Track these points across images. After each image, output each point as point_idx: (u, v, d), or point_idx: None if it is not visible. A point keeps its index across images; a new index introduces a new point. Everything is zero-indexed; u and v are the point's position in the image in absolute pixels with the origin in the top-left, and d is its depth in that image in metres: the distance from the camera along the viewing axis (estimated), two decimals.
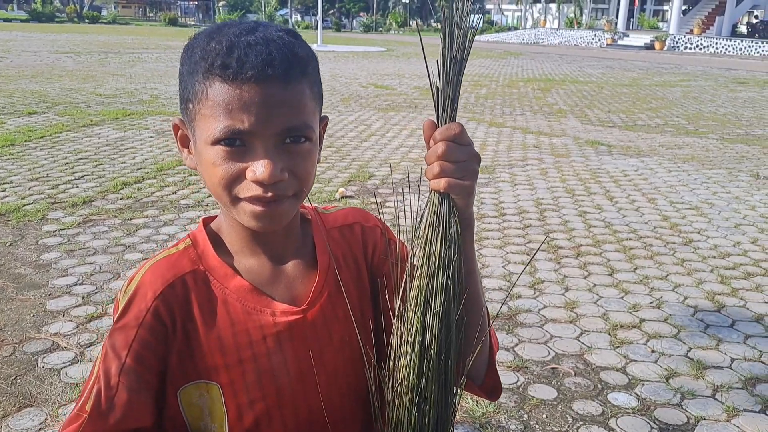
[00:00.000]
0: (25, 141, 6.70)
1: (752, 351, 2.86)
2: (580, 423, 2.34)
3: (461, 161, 0.76)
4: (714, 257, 3.98)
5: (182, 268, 0.86)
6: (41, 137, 6.92)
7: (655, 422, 2.35)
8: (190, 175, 5.46)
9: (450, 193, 0.78)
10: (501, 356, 2.75)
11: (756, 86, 14.79)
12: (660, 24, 39.45)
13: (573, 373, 2.65)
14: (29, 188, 5.01)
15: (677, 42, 31.07)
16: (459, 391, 0.86)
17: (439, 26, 0.76)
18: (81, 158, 6.05)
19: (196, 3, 71.60)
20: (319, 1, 28.74)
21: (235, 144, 0.77)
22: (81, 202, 4.67)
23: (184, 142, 0.86)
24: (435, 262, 0.80)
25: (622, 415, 2.38)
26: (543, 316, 3.14)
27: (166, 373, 0.85)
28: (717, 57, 27.01)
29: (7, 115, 8.24)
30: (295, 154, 0.79)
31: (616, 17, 37.18)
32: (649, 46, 31.23)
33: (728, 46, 29.36)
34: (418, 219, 0.82)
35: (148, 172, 5.59)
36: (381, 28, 56.60)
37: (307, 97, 0.79)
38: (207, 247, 0.88)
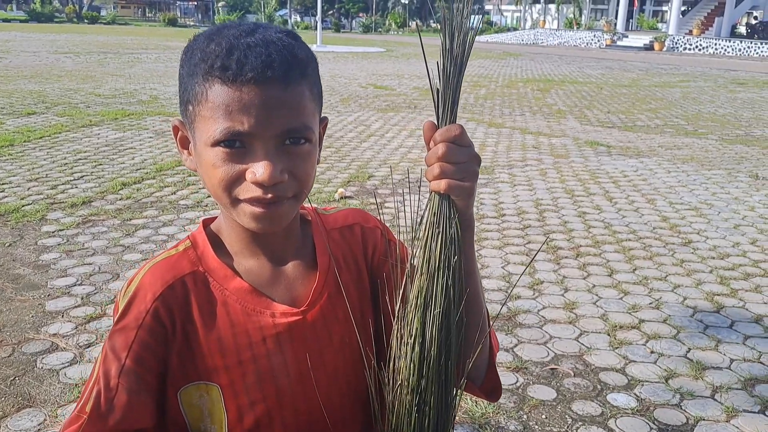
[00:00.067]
0: (24, 141, 6.69)
1: (751, 352, 2.86)
2: (580, 423, 2.34)
3: (461, 162, 0.76)
4: (713, 258, 3.98)
5: (182, 270, 0.86)
6: (40, 138, 6.92)
7: (654, 423, 2.35)
8: (190, 175, 5.46)
9: (450, 194, 0.78)
10: (500, 357, 2.75)
11: (755, 87, 14.80)
12: (659, 25, 39.48)
13: (572, 374, 2.65)
14: (28, 189, 5.00)
15: (676, 43, 31.10)
16: (459, 392, 0.86)
17: (439, 27, 0.76)
18: (80, 159, 6.05)
19: (196, 3, 71.61)
20: (318, 2, 28.75)
21: (235, 146, 0.77)
22: (80, 202, 4.67)
23: (184, 143, 0.86)
24: (435, 263, 0.80)
25: (622, 416, 2.38)
26: (542, 316, 3.14)
27: (166, 374, 0.85)
28: (716, 58, 27.03)
29: (6, 115, 8.23)
30: (294, 156, 0.79)
31: (616, 18, 37.21)
32: (649, 47, 31.26)
33: (727, 46, 29.38)
34: (418, 220, 0.82)
35: (147, 173, 5.59)
36: (380, 29, 56.62)
37: (306, 98, 0.80)
38: (207, 248, 0.88)
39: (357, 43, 32.57)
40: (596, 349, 2.86)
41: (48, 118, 8.16)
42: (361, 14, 66.91)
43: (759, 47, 28.13)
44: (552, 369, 2.69)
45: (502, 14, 60.55)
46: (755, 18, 36.76)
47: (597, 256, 3.97)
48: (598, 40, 34.36)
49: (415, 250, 0.83)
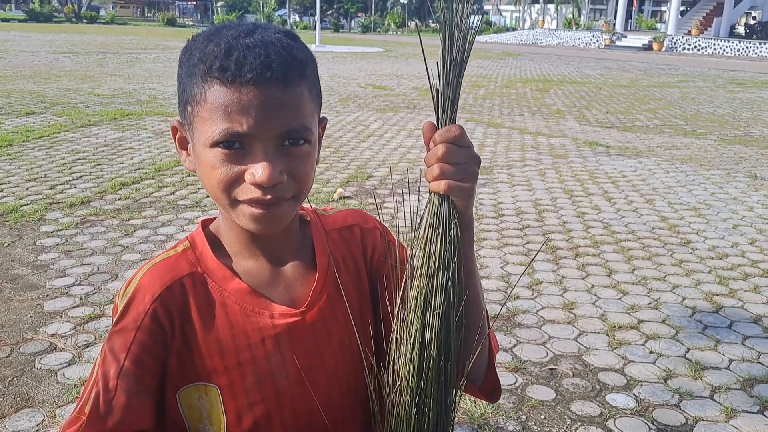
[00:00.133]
0: (23, 141, 6.69)
1: (750, 352, 2.86)
2: (579, 424, 2.34)
3: (461, 163, 0.76)
4: (712, 258, 3.98)
5: (180, 271, 0.86)
6: (39, 137, 6.91)
7: (653, 423, 2.35)
8: (188, 175, 5.46)
9: (450, 195, 0.78)
10: (499, 357, 2.75)
11: (754, 87, 14.82)
12: (658, 25, 39.53)
13: (571, 374, 2.65)
14: (27, 189, 5.00)
15: (675, 43, 31.12)
16: (459, 393, 0.86)
17: (438, 27, 0.76)
18: (79, 159, 6.04)
19: (195, 3, 71.58)
20: (317, 2, 28.74)
21: (234, 147, 0.77)
22: (79, 202, 4.67)
23: (183, 144, 0.86)
24: (434, 264, 0.80)
25: (621, 416, 2.38)
26: (541, 317, 3.14)
27: (165, 375, 0.85)
28: (715, 58, 27.06)
29: (5, 115, 8.22)
30: (293, 157, 0.79)
31: (615, 18, 37.24)
32: (647, 47, 31.28)
33: (726, 47, 29.41)
34: (418, 220, 0.82)
35: (146, 173, 5.59)
36: (379, 29, 56.62)
37: (305, 99, 0.79)
38: (205, 249, 0.88)
39: (356, 43, 32.57)
40: (595, 349, 2.86)
41: (47, 118, 8.15)
42: (360, 14, 66.92)
43: (757, 47, 28.16)
44: (551, 369, 2.69)
45: (501, 14, 60.57)
46: (754, 18, 36.80)
47: (596, 256, 3.97)
48: (597, 40, 34.39)
49: (414, 251, 0.83)
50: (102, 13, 61.38)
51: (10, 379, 2.49)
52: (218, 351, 0.85)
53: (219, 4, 70.19)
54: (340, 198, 5.01)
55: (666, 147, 7.55)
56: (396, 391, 0.83)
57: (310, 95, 0.81)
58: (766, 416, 2.40)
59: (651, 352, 2.84)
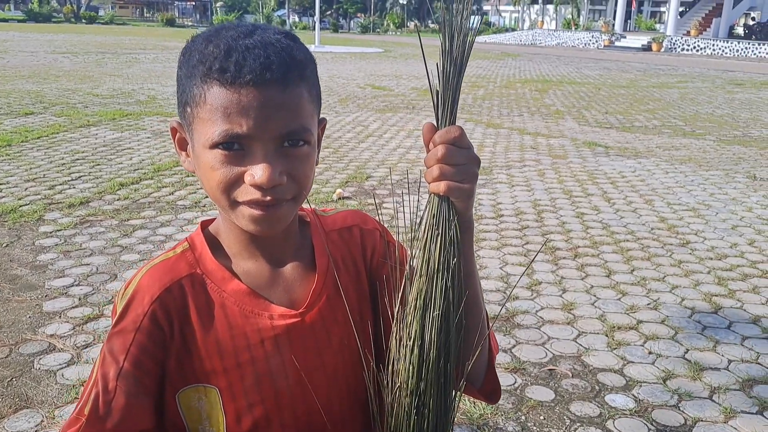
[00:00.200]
0: (22, 141, 6.68)
1: (749, 352, 2.86)
2: (578, 425, 2.34)
3: (461, 164, 0.76)
4: (711, 259, 3.98)
5: (179, 272, 0.86)
6: (38, 138, 6.91)
7: (652, 424, 2.35)
8: (187, 175, 5.45)
9: (449, 196, 0.78)
10: (498, 358, 2.74)
11: (753, 88, 14.83)
12: (657, 25, 39.54)
13: (570, 375, 2.65)
14: (26, 189, 4.99)
15: (674, 43, 31.15)
16: (458, 394, 0.86)
17: (437, 27, 0.76)
18: (78, 159, 6.04)
19: (194, 3, 71.56)
20: (316, 2, 28.74)
21: (234, 148, 0.77)
22: (78, 202, 4.66)
23: (182, 144, 0.86)
24: (434, 265, 0.79)
25: (620, 417, 2.38)
26: (540, 317, 3.14)
27: (164, 376, 0.85)
28: (714, 58, 27.08)
29: (4, 115, 8.22)
30: (293, 158, 0.79)
31: (614, 19, 37.26)
32: (647, 48, 31.30)
33: (725, 47, 29.44)
34: (417, 221, 0.82)
35: (145, 173, 5.59)
36: (378, 29, 56.62)
37: (305, 100, 0.79)
38: (204, 250, 0.88)
39: (355, 44, 32.57)
40: (594, 349, 2.86)
41: (46, 118, 8.15)
42: (359, 15, 66.91)
43: (756, 48, 28.19)
44: (550, 370, 2.69)
45: (500, 15, 60.59)
46: (753, 19, 36.84)
47: (595, 256, 3.97)
48: (596, 41, 34.41)
49: (414, 252, 0.82)
50: (101, 13, 61.35)
51: (9, 379, 2.49)
52: (217, 352, 0.85)
53: (218, 4, 70.19)
54: (340, 198, 5.01)
55: (665, 147, 7.55)
56: (395, 392, 0.83)
57: (309, 96, 0.80)
58: (765, 417, 2.40)
59: (650, 353, 2.84)
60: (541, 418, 2.37)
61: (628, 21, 39.97)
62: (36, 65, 15.03)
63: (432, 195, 0.79)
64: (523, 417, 2.37)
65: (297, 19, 65.39)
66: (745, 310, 3.28)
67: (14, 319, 2.96)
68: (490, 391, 0.95)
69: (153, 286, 0.84)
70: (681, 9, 35.65)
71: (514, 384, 2.57)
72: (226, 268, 0.87)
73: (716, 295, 3.45)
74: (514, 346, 2.87)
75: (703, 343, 2.94)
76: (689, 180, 5.98)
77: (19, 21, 47.39)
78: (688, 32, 33.00)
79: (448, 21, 0.74)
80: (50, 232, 4.07)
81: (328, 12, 65.50)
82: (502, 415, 2.37)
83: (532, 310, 3.21)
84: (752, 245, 4.24)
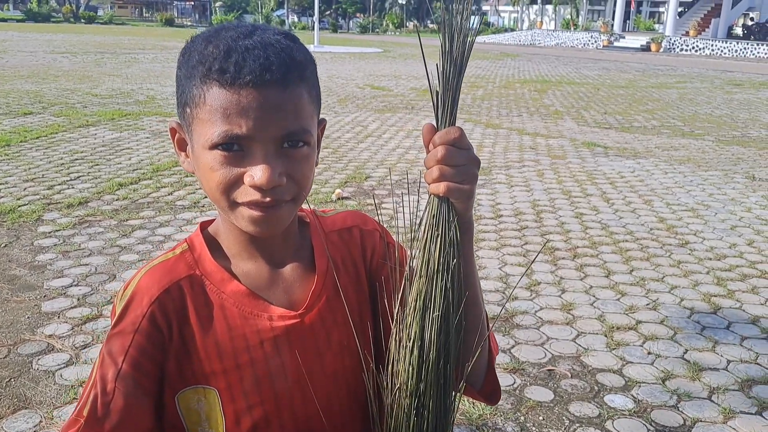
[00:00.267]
0: (21, 141, 6.68)
1: (748, 353, 2.86)
2: (577, 425, 2.34)
3: (461, 165, 0.75)
4: (710, 259, 3.99)
5: (178, 273, 0.86)
6: (37, 138, 6.90)
7: (651, 424, 2.35)
8: (186, 175, 5.45)
9: (449, 197, 0.77)
10: (497, 358, 2.73)
11: (751, 88, 14.84)
12: (656, 26, 39.59)
13: (569, 375, 2.65)
14: (24, 189, 4.99)
15: (673, 44, 31.17)
16: (458, 395, 0.86)
17: (436, 27, 0.75)
18: (77, 159, 6.03)
19: (193, 3, 71.52)
20: (315, 2, 28.73)
21: (233, 149, 0.77)
22: (76, 203, 4.66)
23: (182, 145, 0.85)
24: (434, 266, 0.79)
25: (619, 417, 2.38)
26: (539, 317, 3.14)
27: (163, 378, 0.84)
28: (713, 59, 27.10)
29: (3, 115, 8.21)
30: (293, 159, 0.79)
31: (613, 19, 37.28)
32: (645, 48, 31.32)
33: (724, 48, 29.46)
34: (417, 222, 0.82)
35: (144, 173, 5.58)
36: (378, 29, 56.62)
37: (305, 101, 0.79)
38: (204, 251, 0.88)
39: (354, 44, 32.57)
40: (593, 350, 2.86)
41: (45, 118, 8.14)
42: (358, 15, 66.91)
43: (755, 48, 28.21)
44: (549, 370, 2.69)
45: (499, 15, 60.61)
46: (751, 19, 36.88)
47: (594, 257, 3.97)
48: (595, 41, 34.42)
49: (414, 253, 0.82)
50: (100, 13, 61.32)
51: (8, 380, 2.49)
52: (217, 353, 0.85)
53: (217, 4, 70.15)
54: (339, 199, 5.01)
55: (664, 148, 7.56)
56: (395, 393, 0.83)
57: (309, 97, 0.80)
58: (764, 417, 2.40)
59: (649, 353, 2.84)
60: (540, 418, 2.37)
61: (627, 21, 40.00)
62: (35, 65, 15.02)
63: (432, 196, 0.79)
64: (522, 417, 2.37)
65: (296, 19, 65.36)
66: (744, 311, 3.28)
67: (13, 320, 2.96)
68: (489, 392, 0.95)
69: (152, 287, 0.84)
70: (680, 9, 35.68)
71: (513, 384, 2.57)
72: (225, 269, 0.87)
73: (715, 296, 3.45)
74: (513, 346, 2.87)
75: (702, 343, 2.94)
76: (688, 180, 5.98)
77: (18, 21, 47.36)
78: (687, 32, 33.03)
79: (448, 21, 0.74)
80: (49, 233, 4.07)
81: (327, 12, 65.49)
82: (501, 415, 2.37)
83: (531, 311, 3.21)
84: (751, 245, 4.25)
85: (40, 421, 2.26)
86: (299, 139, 0.79)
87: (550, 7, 48.24)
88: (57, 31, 34.47)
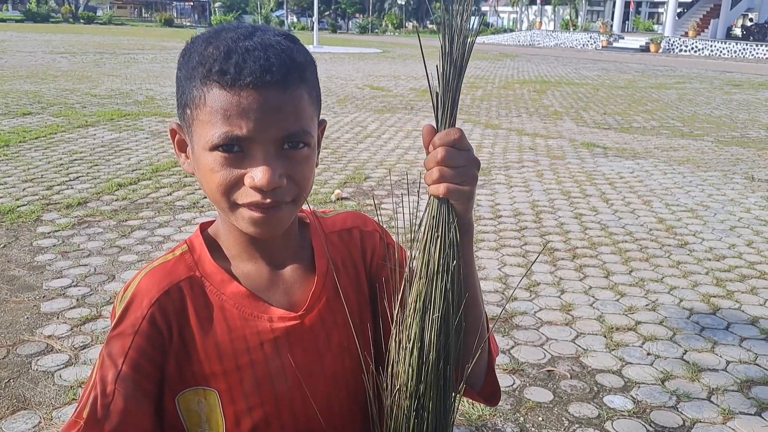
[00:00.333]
0: (20, 142, 6.67)
1: (747, 353, 2.86)
2: (576, 426, 2.34)
3: (460, 166, 0.75)
4: (709, 260, 3.99)
5: (178, 275, 0.86)
6: (36, 138, 6.90)
7: (650, 425, 2.35)
8: (186, 176, 5.45)
9: (449, 198, 0.77)
10: (497, 359, 2.74)
11: (750, 89, 14.85)
12: (655, 26, 39.61)
13: (569, 376, 2.65)
14: (23, 189, 4.99)
15: (672, 44, 31.19)
16: (458, 397, 0.86)
17: (436, 28, 0.75)
18: (76, 159, 6.03)
19: (192, 4, 71.50)
20: (315, 3, 28.74)
21: (234, 150, 0.76)
22: (76, 203, 4.66)
23: (182, 146, 0.85)
24: (434, 267, 0.79)
25: (618, 418, 2.38)
26: (539, 318, 3.14)
27: (163, 379, 0.84)
28: (712, 59, 27.12)
29: (2, 115, 8.20)
30: (293, 160, 0.79)
31: (612, 19, 37.30)
32: (645, 49, 31.34)
33: (723, 48, 29.48)
34: (417, 223, 0.82)
35: (143, 174, 5.58)
36: (377, 30, 56.63)
37: (305, 102, 0.79)
38: (204, 252, 0.88)
39: (353, 44, 32.57)
40: (593, 350, 2.86)
41: (44, 118, 8.14)
42: (357, 15, 66.92)
43: (754, 49, 28.24)
44: (548, 371, 2.69)
45: (498, 15, 60.63)
46: (750, 20, 36.91)
47: (593, 257, 3.97)
48: (595, 42, 34.44)
49: (413, 254, 0.82)
50: (99, 13, 61.32)
51: (7, 380, 2.49)
52: (217, 355, 0.84)
53: (216, 4, 70.16)
54: (338, 199, 5.01)
55: (663, 148, 7.56)
56: (395, 394, 0.83)
57: (309, 98, 0.80)
58: (763, 418, 2.41)
59: (648, 354, 2.84)
60: (540, 419, 2.37)
61: (626, 22, 40.03)
62: (34, 65, 15.01)
63: (431, 197, 0.79)
64: (521, 418, 2.37)
65: (295, 20, 65.35)
66: (743, 311, 3.29)
67: (12, 320, 2.96)
68: (489, 394, 0.95)
69: (152, 289, 0.84)
70: (679, 10, 35.71)
71: (512, 385, 2.57)
72: (225, 271, 0.87)
73: (714, 296, 3.45)
74: (512, 347, 2.87)
75: (701, 344, 2.94)
76: (687, 181, 5.99)
77: (17, 21, 47.34)
78: (686, 33, 33.06)
79: (448, 22, 0.74)
80: (48, 233, 4.07)
81: (327, 12, 65.49)
82: (500, 416, 2.37)
83: (530, 311, 3.21)
84: (750, 246, 4.25)
85: (39, 422, 2.26)
86: (299, 140, 0.79)
87: (549, 8, 48.26)
88: (56, 31, 34.45)
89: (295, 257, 0.91)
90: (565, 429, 2.32)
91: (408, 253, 0.86)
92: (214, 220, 0.92)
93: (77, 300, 3.18)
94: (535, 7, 51.15)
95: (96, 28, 41.89)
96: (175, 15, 65.59)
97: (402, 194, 5.19)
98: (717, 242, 4.31)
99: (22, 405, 2.34)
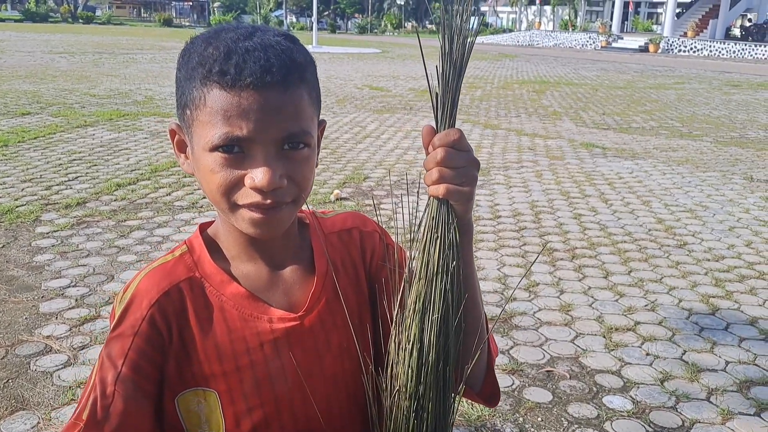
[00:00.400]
0: (19, 142, 6.67)
1: (746, 354, 2.86)
2: (575, 426, 2.34)
3: (460, 167, 0.75)
4: (708, 260, 3.99)
5: (178, 276, 0.86)
6: (35, 138, 6.89)
7: (650, 425, 2.35)
8: (185, 176, 5.44)
9: (449, 199, 0.77)
10: (496, 359, 2.74)
11: (749, 89, 14.86)
12: (654, 27, 39.63)
13: (568, 376, 2.65)
14: (22, 189, 4.98)
15: (671, 45, 31.21)
16: (458, 398, 0.86)
17: (435, 28, 0.75)
18: (75, 159, 6.02)
19: (191, 4, 71.48)
20: (314, 3, 28.73)
21: (234, 151, 0.76)
22: (74, 203, 4.65)
23: (181, 147, 0.85)
24: (434, 268, 0.79)
25: (617, 418, 2.38)
26: (538, 318, 3.14)
27: (163, 380, 0.84)
28: (711, 60, 27.14)
29: (1, 115, 8.20)
30: (293, 161, 0.79)
31: (611, 20, 37.32)
32: (644, 49, 31.36)
33: (722, 48, 29.51)
34: (417, 223, 0.81)
35: (142, 174, 5.58)
36: (376, 30, 56.64)
37: (305, 102, 0.79)
38: (203, 253, 0.88)
39: (353, 44, 32.57)
40: (592, 351, 2.86)
41: (42, 118, 8.13)
42: (356, 15, 66.92)
43: (753, 49, 28.26)
44: (548, 371, 2.69)
45: (497, 16, 60.66)
46: (749, 20, 36.95)
47: (592, 257, 3.97)
48: (594, 42, 34.46)
49: (413, 254, 0.82)
50: (98, 13, 61.30)
51: (5, 381, 2.48)
52: (216, 356, 0.84)
53: (215, 4, 70.13)
54: (337, 199, 5.00)
55: (662, 149, 7.56)
56: (394, 395, 0.83)
57: (309, 99, 0.80)
58: (762, 418, 2.41)
59: (647, 354, 2.84)
60: (539, 419, 2.37)
61: (625, 22, 40.06)
62: (33, 65, 15.00)
63: (431, 198, 0.79)
64: (520, 418, 2.37)
65: (294, 20, 65.35)
66: (742, 312, 3.29)
67: (10, 321, 2.95)
68: (489, 395, 0.95)
69: (151, 290, 0.84)
70: (678, 10, 35.73)
71: (511, 385, 2.57)
72: (224, 271, 0.87)
73: (713, 297, 3.45)
74: (511, 347, 2.87)
75: (700, 344, 2.94)
76: (686, 181, 5.99)
77: (15, 21, 47.31)
78: (685, 33, 33.09)
79: (448, 23, 0.74)
80: (47, 233, 4.06)
81: (326, 12, 65.48)
82: (500, 416, 2.37)
83: (529, 312, 3.21)
84: (749, 246, 4.25)
85: (38, 423, 2.25)
86: (300, 140, 0.79)
87: (548, 8, 48.29)
88: (55, 31, 34.43)
89: (295, 258, 0.91)
90: (564, 429, 2.32)
91: (407, 254, 0.86)
92: (214, 221, 0.92)
93: (76, 300, 3.18)
94: (534, 8, 51.17)
95: (95, 28, 41.87)
96: (174, 15, 65.57)
97: (401, 194, 5.19)
98: (716, 242, 4.31)
99: (21, 405, 2.34)
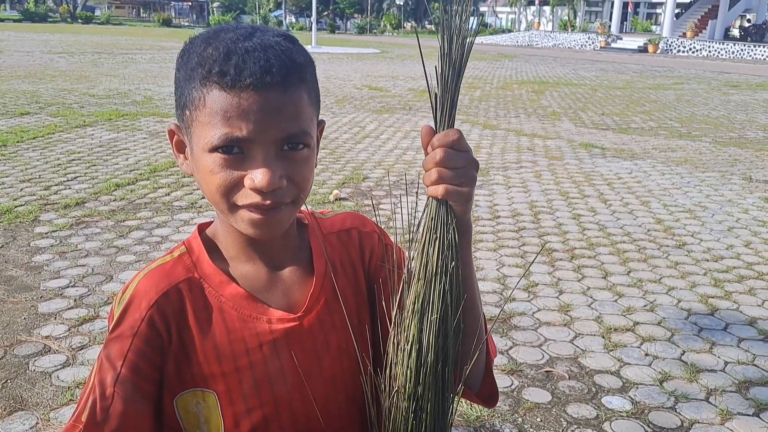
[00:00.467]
0: (18, 142, 6.66)
1: (746, 354, 2.87)
2: (575, 426, 2.34)
3: (459, 168, 0.75)
4: (707, 260, 3.99)
5: (177, 277, 0.85)
6: (34, 138, 6.89)
7: (649, 425, 2.35)
8: (184, 176, 5.44)
9: (448, 199, 0.77)
10: (495, 360, 2.74)
11: (748, 89, 14.87)
12: (653, 27, 39.66)
13: (567, 377, 2.65)
14: (21, 189, 4.98)
15: (670, 45, 31.23)
16: (456, 398, 0.86)
17: (434, 28, 0.75)
18: (74, 159, 6.02)
19: (190, 4, 71.47)
20: (313, 3, 28.73)
21: (233, 151, 0.76)
22: (73, 203, 4.65)
23: (180, 147, 0.85)
24: (432, 268, 0.79)
25: (617, 419, 2.38)
26: (537, 319, 3.14)
27: (162, 381, 0.84)
28: (710, 60, 27.15)
29: (0, 115, 8.19)
30: (293, 161, 0.79)
31: (610, 20, 37.35)
32: (643, 49, 31.39)
33: (721, 49, 29.53)
34: (416, 224, 0.81)
35: (141, 174, 5.57)
36: (375, 30, 56.65)
37: (305, 103, 0.79)
38: (202, 254, 0.87)
39: (352, 44, 32.57)
40: (591, 351, 2.86)
41: (41, 118, 8.13)
42: (356, 15, 66.93)
43: (752, 50, 28.29)
44: (547, 372, 2.69)
45: (496, 16, 60.68)
46: (748, 21, 36.98)
47: (591, 258, 3.97)
48: (593, 42, 34.48)
49: (412, 255, 0.82)
50: (97, 13, 61.24)
51: (4, 381, 2.48)
52: (216, 356, 0.84)
53: (215, 4, 70.13)
54: (336, 200, 5.00)
55: (661, 149, 7.57)
56: (393, 396, 0.83)
57: (309, 99, 0.80)
58: (761, 419, 2.41)
59: (646, 355, 2.84)
60: (538, 420, 2.37)
61: (625, 22, 40.09)
62: (32, 65, 14.99)
63: (430, 198, 0.79)
64: (519, 419, 2.37)
65: (294, 20, 65.34)
66: (741, 312, 3.29)
67: (9, 321, 2.95)
68: (487, 395, 0.95)
69: (150, 291, 0.84)
70: (677, 11, 35.76)
71: (510, 386, 2.57)
72: (223, 272, 0.86)
73: (712, 297, 3.45)
74: (510, 347, 2.87)
75: (699, 344, 2.95)
76: (685, 182, 5.99)
77: (14, 21, 47.27)
78: (684, 34, 33.11)
79: (447, 23, 0.74)
80: (46, 233, 4.06)
81: (325, 13, 65.48)
82: (499, 417, 2.37)
83: (528, 312, 3.21)
84: (748, 247, 4.25)
85: (37, 423, 2.25)
86: (299, 141, 0.78)
87: (547, 9, 48.31)
88: (54, 31, 34.40)
89: (294, 258, 0.91)
90: (563, 430, 2.32)
91: (406, 254, 0.86)
92: (212, 221, 0.92)
93: (75, 300, 3.17)
94: (533, 8, 51.20)
95: (94, 28, 41.84)
96: (173, 15, 65.57)
97: (400, 195, 5.19)
98: (715, 243, 4.32)
99: (20, 406, 2.34)
